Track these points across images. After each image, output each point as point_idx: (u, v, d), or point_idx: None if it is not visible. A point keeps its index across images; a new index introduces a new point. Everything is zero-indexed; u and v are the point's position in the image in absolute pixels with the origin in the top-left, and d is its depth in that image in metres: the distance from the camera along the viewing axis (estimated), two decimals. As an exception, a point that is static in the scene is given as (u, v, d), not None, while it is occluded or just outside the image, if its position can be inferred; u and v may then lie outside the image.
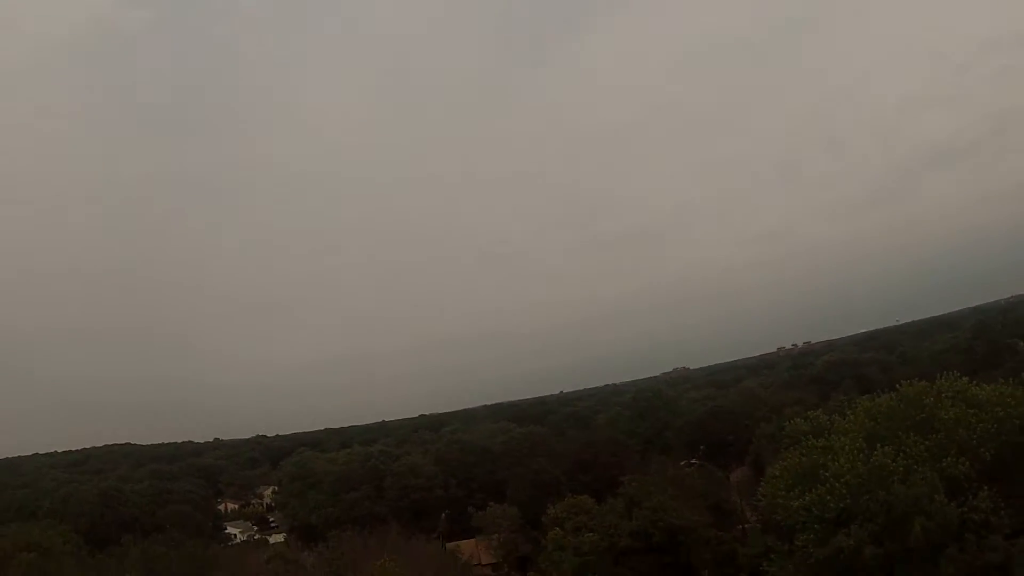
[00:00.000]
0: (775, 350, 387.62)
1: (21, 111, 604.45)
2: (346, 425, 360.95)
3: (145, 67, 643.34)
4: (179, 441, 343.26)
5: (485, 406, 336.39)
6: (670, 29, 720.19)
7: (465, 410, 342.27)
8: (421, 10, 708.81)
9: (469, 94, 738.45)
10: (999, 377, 60.54)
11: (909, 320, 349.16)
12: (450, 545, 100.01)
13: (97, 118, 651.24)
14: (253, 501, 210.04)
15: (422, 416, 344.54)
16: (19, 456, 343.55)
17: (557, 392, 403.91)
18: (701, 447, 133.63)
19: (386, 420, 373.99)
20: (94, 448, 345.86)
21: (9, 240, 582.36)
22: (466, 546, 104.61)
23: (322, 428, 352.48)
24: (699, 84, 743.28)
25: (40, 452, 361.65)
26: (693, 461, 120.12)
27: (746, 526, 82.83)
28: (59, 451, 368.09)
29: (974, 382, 54.86)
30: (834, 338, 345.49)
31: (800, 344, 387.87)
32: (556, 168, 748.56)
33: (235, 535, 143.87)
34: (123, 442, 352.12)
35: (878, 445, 50.18)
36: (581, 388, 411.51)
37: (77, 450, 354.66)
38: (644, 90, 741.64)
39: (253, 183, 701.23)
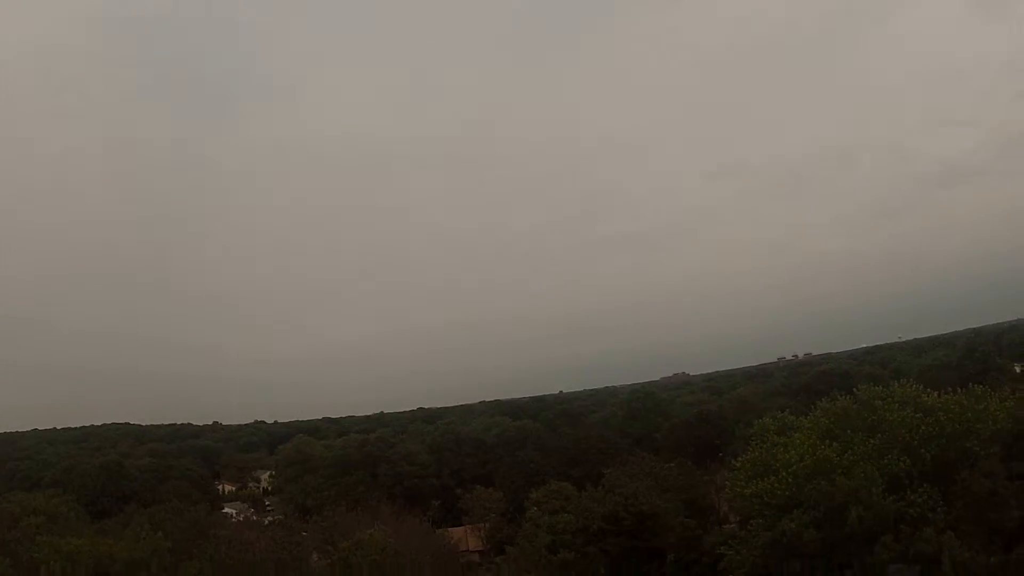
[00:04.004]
0: (775, 360, 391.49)
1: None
2: (344, 416, 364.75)
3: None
4: (178, 423, 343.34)
5: (483, 402, 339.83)
6: (691, 27, 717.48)
7: (463, 405, 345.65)
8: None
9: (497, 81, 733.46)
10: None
11: (911, 338, 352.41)
12: (439, 531, 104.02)
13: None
14: (250, 484, 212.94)
15: (420, 409, 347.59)
16: (18, 431, 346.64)
17: (556, 392, 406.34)
18: (689, 449, 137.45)
19: (384, 412, 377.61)
20: (93, 426, 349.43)
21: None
22: (455, 532, 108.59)
23: (320, 417, 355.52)
24: (716, 84, 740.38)
25: (39, 428, 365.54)
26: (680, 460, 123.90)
27: (724, 525, 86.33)
28: (58, 427, 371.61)
29: (926, 390, 58.79)
30: (834, 351, 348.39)
31: (800, 355, 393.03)
32: (568, 164, 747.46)
33: (232, 514, 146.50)
34: (122, 421, 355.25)
35: (828, 441, 54.46)
36: (580, 389, 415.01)
37: (76, 427, 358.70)
38: (663, 89, 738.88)
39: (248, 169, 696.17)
